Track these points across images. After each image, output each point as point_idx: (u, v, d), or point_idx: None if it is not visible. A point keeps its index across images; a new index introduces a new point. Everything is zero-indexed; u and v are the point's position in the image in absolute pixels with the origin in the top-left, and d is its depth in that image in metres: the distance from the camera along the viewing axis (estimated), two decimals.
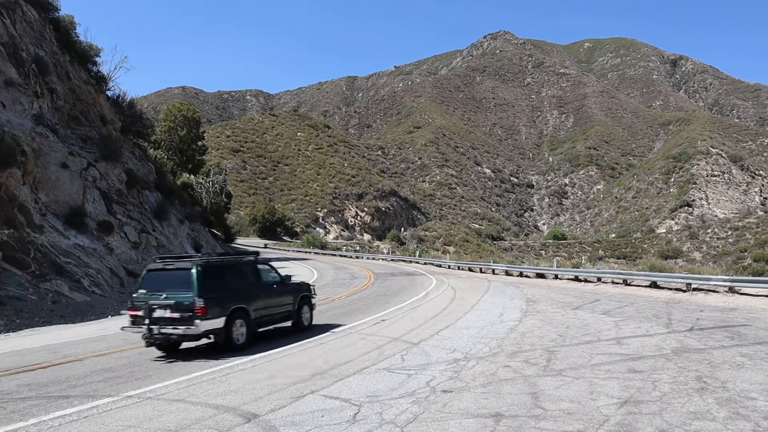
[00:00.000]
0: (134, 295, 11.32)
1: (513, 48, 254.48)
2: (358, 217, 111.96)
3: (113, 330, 15.75)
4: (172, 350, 11.53)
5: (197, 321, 10.22)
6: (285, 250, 76.46)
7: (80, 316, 19.24)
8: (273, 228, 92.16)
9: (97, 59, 38.01)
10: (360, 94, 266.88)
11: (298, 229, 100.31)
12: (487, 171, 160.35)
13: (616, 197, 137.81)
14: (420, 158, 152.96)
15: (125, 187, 31.91)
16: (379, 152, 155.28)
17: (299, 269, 46.37)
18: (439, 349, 10.79)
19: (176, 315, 10.34)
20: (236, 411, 6.98)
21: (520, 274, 34.18)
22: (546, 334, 12.35)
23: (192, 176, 58.45)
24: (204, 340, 11.23)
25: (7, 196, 21.83)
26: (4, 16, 27.15)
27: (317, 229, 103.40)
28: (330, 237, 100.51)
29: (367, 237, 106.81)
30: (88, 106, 33.52)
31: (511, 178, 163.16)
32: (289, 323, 13.36)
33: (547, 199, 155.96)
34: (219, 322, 10.68)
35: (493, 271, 37.49)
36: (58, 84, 30.60)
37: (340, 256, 67.15)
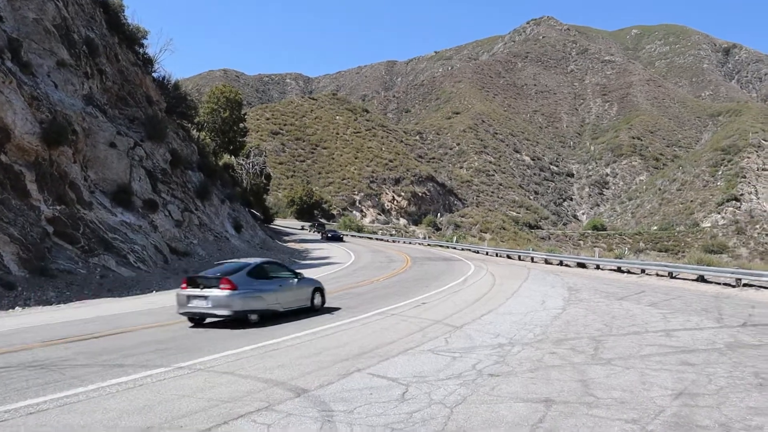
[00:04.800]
0: None
1: (557, 34, 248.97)
2: (395, 202, 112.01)
3: (159, 304, 16.17)
4: (226, 324, 12.17)
5: None
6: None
7: (126, 290, 19.80)
8: (310, 210, 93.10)
9: (144, 41, 38.79)
10: (399, 79, 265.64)
11: (334, 212, 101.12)
12: (527, 158, 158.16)
13: (660, 189, 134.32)
14: (458, 144, 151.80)
15: (169, 167, 32.56)
16: (417, 137, 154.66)
17: (336, 251, 46.76)
18: (482, 334, 10.76)
19: None
20: (285, 385, 7.08)
21: (560, 263, 33.73)
22: (591, 323, 12.15)
23: (233, 157, 59.40)
24: None
25: (59, 174, 22.53)
26: None
27: (354, 212, 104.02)
28: (366, 220, 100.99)
29: (403, 221, 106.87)
30: (135, 87, 34.23)
31: (551, 167, 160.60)
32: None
33: (587, 189, 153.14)
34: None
35: (532, 259, 37.10)
36: (107, 65, 31.30)
37: (377, 239, 67.43)
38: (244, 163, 62.67)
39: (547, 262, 35.20)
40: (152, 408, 6.16)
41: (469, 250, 48.85)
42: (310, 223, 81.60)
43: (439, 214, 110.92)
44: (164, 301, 17.19)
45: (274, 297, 12.86)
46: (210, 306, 11.77)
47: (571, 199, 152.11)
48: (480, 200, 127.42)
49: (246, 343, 9.92)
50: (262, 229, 54.30)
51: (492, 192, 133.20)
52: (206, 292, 11.84)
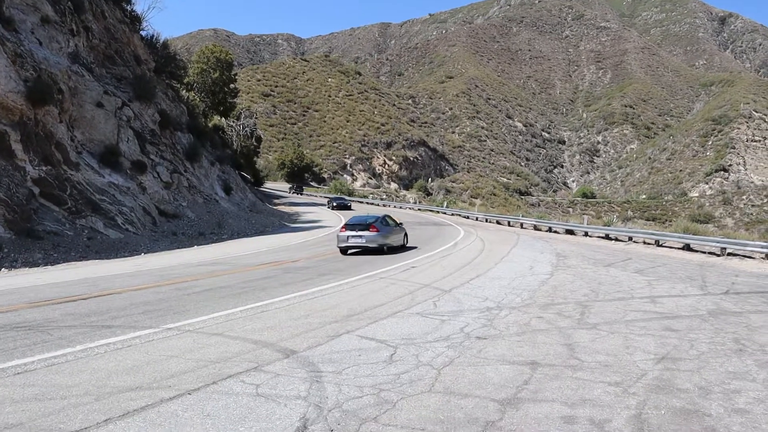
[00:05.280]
0: None
1: None
2: (386, 166, 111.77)
3: (148, 266, 16.17)
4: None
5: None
6: (312, 195, 77.13)
7: (114, 252, 19.77)
8: (300, 173, 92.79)
9: None
10: (393, 42, 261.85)
11: (325, 176, 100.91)
12: (519, 125, 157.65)
13: (650, 158, 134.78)
14: (451, 109, 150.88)
15: (158, 128, 32.19)
16: (410, 101, 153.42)
17: (326, 215, 46.79)
18: (470, 297, 10.85)
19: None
20: (274, 347, 7.12)
21: (549, 230, 33.95)
22: (578, 288, 12.29)
23: (223, 119, 58.71)
24: None
25: (44, 134, 22.17)
26: None
27: (344, 176, 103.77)
28: (357, 184, 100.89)
29: (394, 186, 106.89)
30: (122, 46, 33.50)
31: (543, 133, 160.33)
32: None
33: (578, 156, 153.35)
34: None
35: (522, 225, 37.29)
36: (93, 22, 30.54)
37: (367, 203, 67.49)
38: (234, 124, 62.03)
39: (536, 228, 35.38)
40: (141, 368, 6.19)
41: (460, 215, 49.06)
42: (290, 185, 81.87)
43: (430, 179, 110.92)
44: (153, 263, 17.28)
45: (391, 237, 20.28)
46: (364, 242, 19.17)
47: (562, 167, 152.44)
48: (471, 166, 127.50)
49: (235, 305, 9.95)
50: (252, 191, 54.10)
51: (483, 158, 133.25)
52: (361, 233, 19.28)
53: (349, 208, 54.51)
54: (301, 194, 75.47)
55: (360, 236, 19.26)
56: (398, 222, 21.72)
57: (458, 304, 10.15)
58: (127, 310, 9.45)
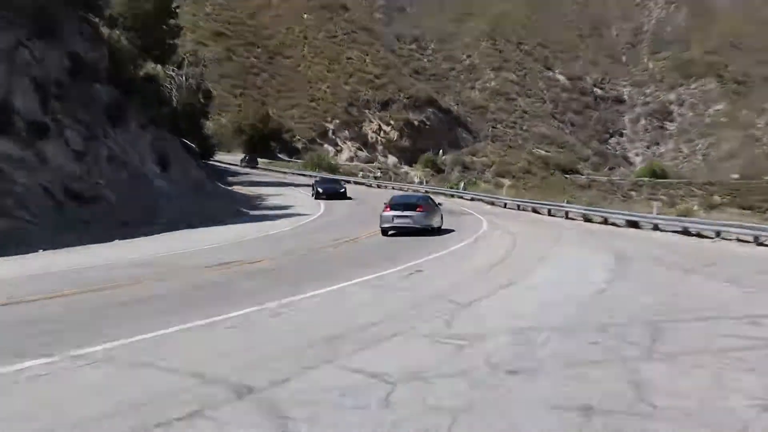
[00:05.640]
0: None
1: None
2: (382, 133, 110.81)
3: (48, 268, 16.00)
4: None
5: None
6: (280, 172, 76.50)
7: (1, 248, 19.46)
8: (265, 141, 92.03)
9: None
10: None
11: (299, 145, 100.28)
12: (561, 78, 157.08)
13: (744, 123, 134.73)
14: (469, 56, 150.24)
15: (68, 77, 31.73)
16: (414, 46, 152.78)
17: (300, 198, 46.52)
18: (497, 314, 10.79)
19: None
20: (225, 382, 6.93)
21: (605, 221, 33.95)
22: (647, 303, 12.17)
23: (159, 67, 57.58)
24: None
25: None
26: None
27: (325, 146, 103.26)
28: (342, 158, 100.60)
29: (392, 160, 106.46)
30: None
31: (595, 90, 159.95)
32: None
33: (643, 121, 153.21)
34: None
35: (567, 214, 37.32)
36: None
37: (355, 183, 67.24)
38: (174, 75, 61.51)
39: (586, 219, 35.37)
40: (34, 416, 6.01)
41: (482, 200, 49.07)
42: (242, 157, 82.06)
43: (441, 151, 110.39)
44: (56, 263, 17.15)
45: (435, 218, 26.19)
46: (410, 222, 24.65)
47: (621, 135, 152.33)
48: (497, 133, 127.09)
49: (170, 322, 9.76)
50: (199, 166, 53.79)
51: (513, 122, 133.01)
52: (408, 213, 24.88)
53: (344, 196, 49.08)
54: (255, 168, 76.95)
55: (407, 216, 24.84)
56: (437, 203, 28.35)
57: (480, 324, 10.05)
58: (14, 330, 9.27)
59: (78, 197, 27.70)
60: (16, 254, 18.85)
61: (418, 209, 25.06)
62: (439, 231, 25.81)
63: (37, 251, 19.51)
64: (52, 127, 28.51)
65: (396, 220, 24.47)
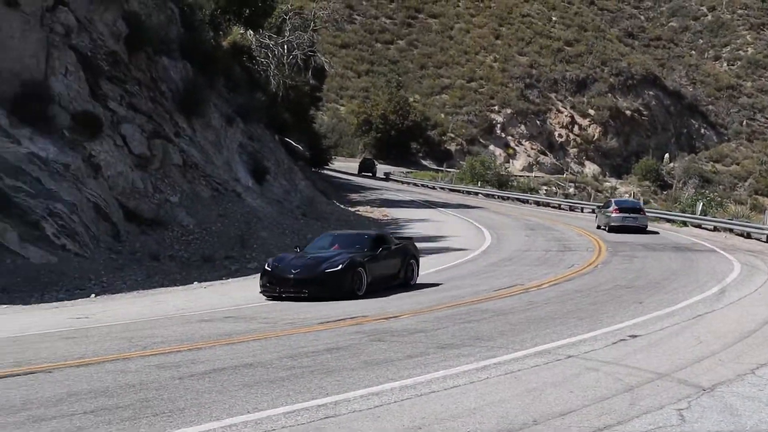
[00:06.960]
0: None
1: None
2: (576, 129, 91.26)
3: (103, 320, 14.88)
4: None
5: None
6: (424, 186, 68.14)
7: (37, 289, 18.45)
8: (402, 142, 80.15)
9: None
10: None
11: (452, 147, 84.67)
12: None
13: None
14: (712, 10, 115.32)
15: (124, 49, 28.20)
16: None
17: (455, 225, 42.11)
18: (759, 405, 8.69)
19: None
20: None
21: None
22: None
23: (251, 33, 47.60)
24: None
25: None
26: None
27: (490, 147, 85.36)
28: (516, 165, 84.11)
29: (591, 169, 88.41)
30: None
31: None
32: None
33: None
34: None
35: None
36: None
37: (535, 203, 59.04)
38: (272, 44, 48.84)
39: None
40: None
41: (730, 229, 39.32)
42: (361, 160, 72.90)
43: (667, 156, 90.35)
44: (113, 313, 16.03)
45: (647, 221, 38.70)
46: (637, 222, 36.60)
47: None
48: (755, 128, 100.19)
49: (275, 402, 8.07)
50: (308, 177, 46.81)
51: None
52: (634, 215, 37.01)
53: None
54: (373, 176, 69.21)
55: (634, 218, 36.10)
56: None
57: (734, 419, 7.98)
58: (61, 409, 7.86)
59: (141, 220, 25.08)
60: (61, 299, 17.60)
61: (641, 212, 38.00)
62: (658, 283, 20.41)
63: (89, 295, 18.16)
64: (104, 119, 25.30)
65: (626, 221, 35.89)
